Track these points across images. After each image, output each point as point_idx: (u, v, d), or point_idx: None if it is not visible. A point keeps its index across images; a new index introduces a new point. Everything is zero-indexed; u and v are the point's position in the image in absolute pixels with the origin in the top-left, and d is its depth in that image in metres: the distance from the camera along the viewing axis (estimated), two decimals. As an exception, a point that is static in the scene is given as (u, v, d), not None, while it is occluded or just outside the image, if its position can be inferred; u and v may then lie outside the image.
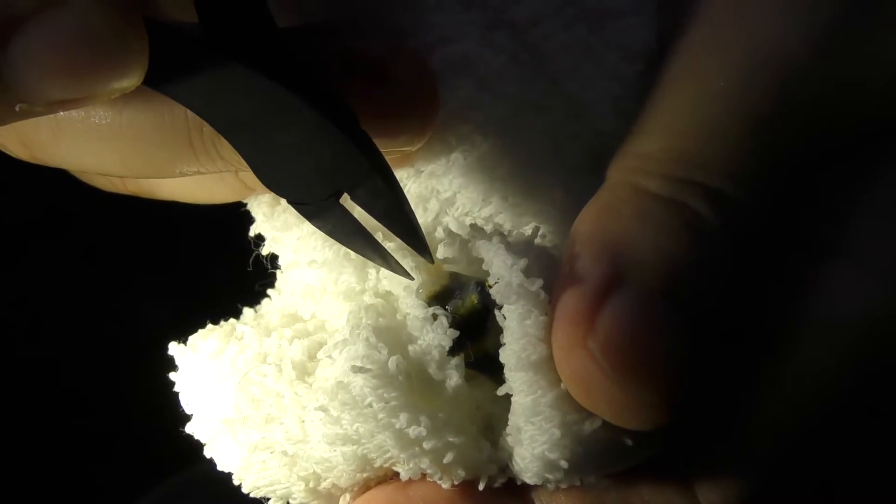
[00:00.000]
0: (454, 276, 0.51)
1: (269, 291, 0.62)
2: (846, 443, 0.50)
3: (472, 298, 0.50)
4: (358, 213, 0.49)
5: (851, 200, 0.51)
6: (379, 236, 0.51)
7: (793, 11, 0.50)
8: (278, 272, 0.61)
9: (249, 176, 0.49)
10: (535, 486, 0.49)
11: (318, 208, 0.48)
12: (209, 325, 0.59)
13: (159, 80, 0.45)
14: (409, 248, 0.50)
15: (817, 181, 0.51)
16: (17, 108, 0.43)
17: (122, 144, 0.50)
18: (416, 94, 0.49)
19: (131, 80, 0.43)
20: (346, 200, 0.49)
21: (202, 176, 0.54)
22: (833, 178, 0.51)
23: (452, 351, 0.49)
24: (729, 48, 0.50)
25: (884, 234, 0.51)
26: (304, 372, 0.53)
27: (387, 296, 0.55)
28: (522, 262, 0.47)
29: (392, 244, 0.52)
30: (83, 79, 0.42)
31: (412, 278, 0.52)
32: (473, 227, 0.51)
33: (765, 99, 0.49)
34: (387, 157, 0.50)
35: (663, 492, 0.49)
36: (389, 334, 0.50)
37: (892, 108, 0.52)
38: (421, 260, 0.51)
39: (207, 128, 0.48)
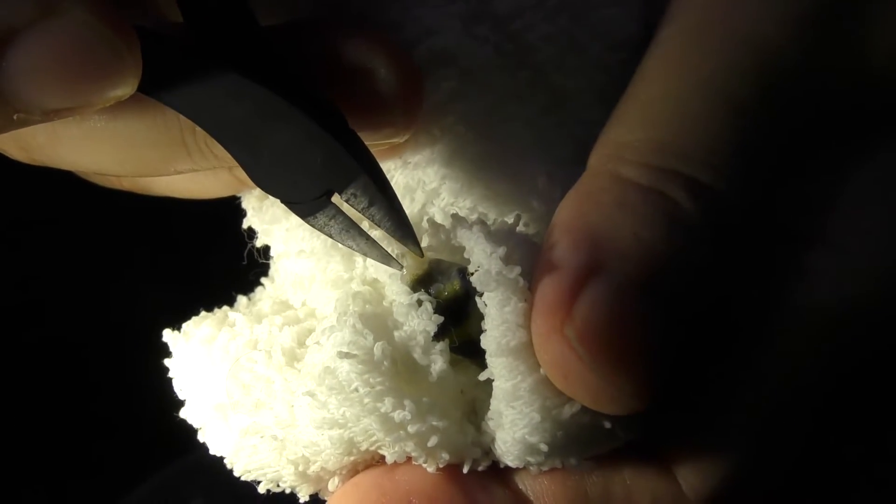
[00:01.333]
0: (436, 262, 0.52)
1: (263, 280, 0.63)
2: (824, 427, 0.51)
3: (454, 284, 0.51)
4: (347, 208, 0.50)
5: (831, 188, 0.52)
6: (365, 225, 0.52)
7: (774, 4, 0.51)
8: (272, 261, 0.62)
9: (242, 172, 0.50)
10: (520, 470, 0.50)
11: (310, 207, 0.50)
12: (202, 313, 0.60)
13: (152, 87, 0.46)
14: (397, 240, 0.51)
15: (796, 169, 0.51)
16: (14, 118, 0.44)
17: (117, 146, 0.51)
18: (399, 89, 0.50)
19: (126, 89, 0.44)
20: (338, 198, 0.50)
21: (196, 173, 0.55)
22: (813, 166, 0.52)
23: (437, 336, 0.50)
24: (708, 37, 0.51)
25: (862, 222, 0.52)
26: (293, 358, 0.54)
27: (374, 283, 0.55)
28: (501, 250, 0.48)
29: (378, 233, 0.52)
30: (78, 89, 0.43)
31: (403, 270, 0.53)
32: (455, 216, 0.52)
33: (744, 88, 0.49)
34: (374, 150, 0.51)
35: (644, 474, 0.50)
36: (376, 321, 0.50)
37: (871, 95, 0.53)
38: (406, 249, 0.52)
39: (200, 128, 0.49)
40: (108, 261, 0.86)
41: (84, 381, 0.85)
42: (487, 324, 0.48)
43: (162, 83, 0.47)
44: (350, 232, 0.51)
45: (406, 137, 0.53)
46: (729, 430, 0.50)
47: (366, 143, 0.51)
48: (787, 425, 0.50)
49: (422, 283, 0.51)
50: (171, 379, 0.57)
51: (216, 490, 0.57)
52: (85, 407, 0.84)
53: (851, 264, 0.51)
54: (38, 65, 0.42)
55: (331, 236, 0.51)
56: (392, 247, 0.53)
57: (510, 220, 0.53)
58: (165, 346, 0.58)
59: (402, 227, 0.50)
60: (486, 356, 0.48)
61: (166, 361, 0.58)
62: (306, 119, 0.47)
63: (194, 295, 0.63)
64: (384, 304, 0.54)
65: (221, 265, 0.64)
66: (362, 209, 0.49)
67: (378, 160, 0.54)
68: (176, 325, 0.59)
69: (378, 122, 0.51)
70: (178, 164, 0.52)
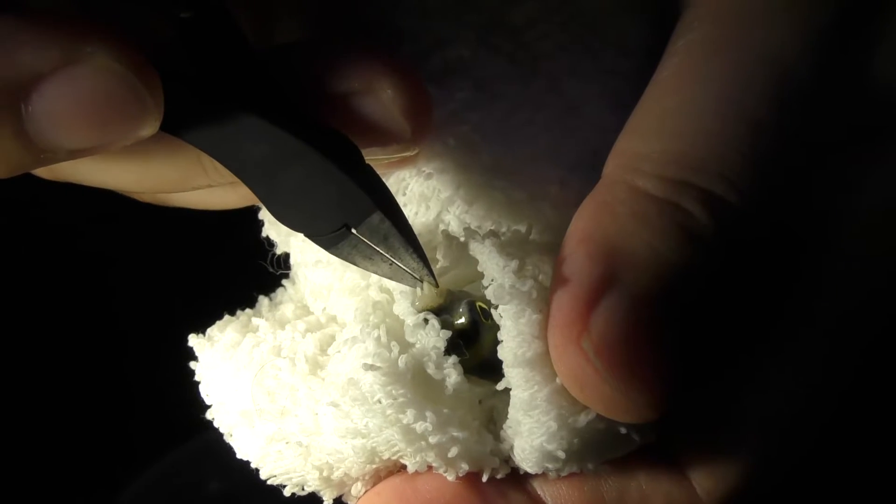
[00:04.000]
0: (449, 295, 0.53)
1: (285, 282, 0.64)
2: (836, 433, 0.52)
3: (462, 316, 0.52)
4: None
5: (844, 197, 0.53)
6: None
7: (790, 17, 0.51)
8: (293, 264, 0.63)
9: None
10: (537, 476, 0.52)
11: (330, 239, 0.51)
12: (226, 316, 0.61)
13: (172, 126, 0.48)
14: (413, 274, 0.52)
15: (808, 179, 0.52)
16: (41, 157, 0.45)
17: (137, 167, 0.53)
18: (406, 106, 0.51)
19: (147, 131, 0.45)
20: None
21: (215, 188, 0.56)
22: (826, 175, 0.52)
23: (448, 351, 0.51)
24: (725, 52, 0.51)
25: (876, 231, 0.52)
26: (316, 366, 0.55)
27: (390, 291, 0.56)
28: (514, 264, 0.49)
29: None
30: (102, 131, 0.45)
31: (437, 285, 0.53)
32: (468, 229, 0.52)
33: (760, 103, 0.49)
34: (387, 162, 0.52)
35: (659, 478, 0.51)
36: (397, 333, 0.52)
37: (885, 109, 0.53)
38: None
39: None
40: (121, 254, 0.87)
41: (99, 363, 0.86)
42: (503, 335, 0.49)
43: (181, 123, 0.48)
44: (374, 259, 0.51)
45: (417, 150, 0.53)
46: (743, 433, 0.51)
47: (378, 156, 0.52)
48: (801, 429, 0.51)
49: (434, 313, 0.52)
50: (183, 362, 0.59)
51: (230, 471, 0.58)
52: (102, 388, 0.85)
53: (862, 270, 0.52)
54: (62, 109, 0.44)
55: (355, 264, 0.52)
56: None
57: (522, 229, 0.54)
58: (179, 334, 0.60)
59: (417, 260, 0.51)
60: (504, 366, 0.49)
61: (192, 365, 0.59)
62: (320, 157, 0.48)
63: (214, 294, 0.64)
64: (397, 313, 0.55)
65: (240, 265, 0.66)
66: (377, 243, 0.50)
67: (393, 168, 0.55)
68: (194, 322, 0.60)
69: (387, 139, 0.51)
70: (196, 182, 0.53)
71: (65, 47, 0.43)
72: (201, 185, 0.54)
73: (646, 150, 0.50)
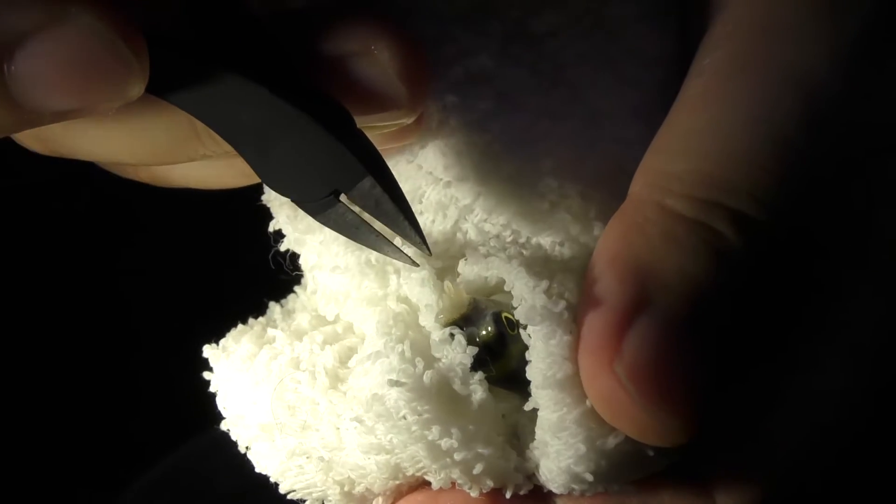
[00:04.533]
0: (474, 304, 0.52)
1: (296, 288, 0.63)
2: (864, 452, 0.52)
3: (489, 328, 0.51)
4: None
5: (872, 213, 0.52)
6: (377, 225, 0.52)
7: (819, 35, 0.51)
8: (304, 270, 0.62)
9: None
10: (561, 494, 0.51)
11: (319, 205, 0.51)
12: (240, 326, 0.61)
13: (159, 89, 0.47)
14: (405, 240, 0.51)
15: (839, 193, 0.51)
16: (24, 118, 0.45)
17: (129, 135, 0.52)
18: (402, 68, 0.50)
19: (133, 92, 0.45)
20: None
21: (212, 162, 0.56)
22: (854, 191, 0.52)
23: (475, 367, 0.50)
24: (755, 70, 0.50)
25: None
26: (336, 379, 0.54)
27: (408, 301, 0.56)
28: (544, 284, 0.49)
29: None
30: (87, 92, 0.44)
31: (416, 265, 0.53)
32: (493, 247, 0.52)
33: (790, 123, 0.49)
34: (384, 132, 0.52)
35: (683, 497, 0.51)
36: (420, 347, 0.51)
37: None
38: (441, 288, 0.52)
39: None
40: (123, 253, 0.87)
41: (106, 358, 0.86)
42: (532, 356, 0.48)
43: (169, 86, 0.47)
44: (360, 229, 0.51)
45: (414, 118, 0.53)
46: (769, 452, 0.51)
47: (376, 125, 0.51)
48: (829, 448, 0.51)
49: (459, 324, 0.52)
50: (191, 358, 0.59)
51: (239, 468, 0.58)
52: (109, 384, 0.85)
53: (892, 283, 0.52)
54: (45, 70, 0.43)
55: (341, 233, 0.52)
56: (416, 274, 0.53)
57: (544, 241, 0.53)
58: (188, 332, 0.59)
59: (409, 227, 0.50)
60: (532, 387, 0.48)
61: (205, 375, 0.58)
62: (311, 121, 0.48)
63: (223, 292, 0.64)
64: (423, 330, 0.54)
65: (248, 264, 0.65)
66: (369, 209, 0.50)
67: (394, 142, 0.54)
68: (204, 320, 0.60)
69: (383, 104, 0.51)
70: (191, 151, 0.52)
71: (48, 7, 0.43)
72: (196, 154, 0.53)
73: (674, 170, 0.49)
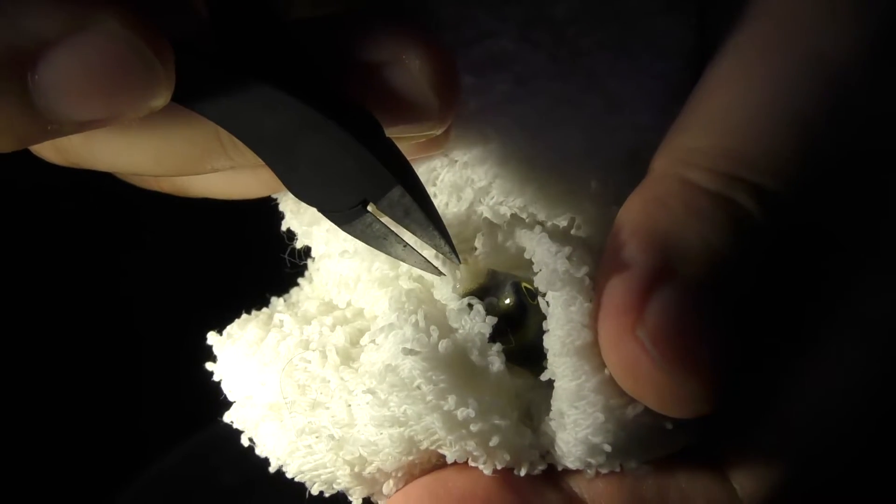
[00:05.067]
0: (492, 275, 0.52)
1: (300, 280, 0.63)
2: (879, 438, 0.52)
3: (508, 298, 0.51)
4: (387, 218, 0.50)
5: (883, 203, 0.53)
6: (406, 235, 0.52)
7: (841, 19, 0.52)
8: (309, 262, 0.62)
9: None
10: (573, 474, 0.50)
11: (346, 215, 0.50)
12: (244, 315, 0.60)
13: (185, 98, 0.46)
14: (435, 249, 0.51)
15: (854, 182, 0.52)
16: (48, 129, 0.44)
17: (153, 145, 0.51)
18: (434, 78, 0.50)
19: (158, 101, 0.44)
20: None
21: (235, 172, 0.55)
22: (872, 178, 0.52)
23: (493, 338, 0.50)
24: (778, 52, 0.51)
25: None
26: (347, 357, 0.54)
27: (420, 279, 0.56)
28: (567, 249, 0.48)
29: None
30: (111, 102, 0.43)
31: (442, 274, 0.53)
32: (514, 217, 0.52)
33: (811, 104, 0.50)
34: (413, 143, 0.51)
35: (699, 479, 0.50)
36: (435, 318, 0.51)
37: None
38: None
39: None
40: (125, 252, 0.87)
41: (108, 355, 0.85)
42: (551, 324, 0.48)
43: (196, 94, 0.47)
44: (388, 239, 0.51)
45: (444, 129, 0.52)
46: (786, 435, 0.50)
47: (405, 135, 0.51)
48: (847, 431, 0.51)
49: (476, 295, 0.52)
50: (192, 354, 0.58)
51: (242, 463, 0.57)
52: (112, 380, 0.84)
53: None
54: (70, 78, 0.42)
55: (368, 243, 0.51)
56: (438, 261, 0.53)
57: (563, 222, 0.53)
58: (190, 328, 0.59)
59: (439, 236, 0.50)
60: (549, 356, 0.48)
61: (209, 366, 0.58)
62: (340, 130, 0.47)
63: (225, 291, 0.63)
64: (437, 304, 0.54)
65: (251, 265, 0.65)
66: (398, 219, 0.49)
67: (422, 153, 0.54)
68: (207, 317, 0.59)
69: (414, 114, 0.50)
70: (215, 162, 0.52)
71: (72, 13, 0.42)
72: (221, 165, 0.52)
73: (697, 145, 0.50)
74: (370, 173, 0.48)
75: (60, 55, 0.42)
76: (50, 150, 0.54)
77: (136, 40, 0.42)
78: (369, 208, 0.50)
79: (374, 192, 0.49)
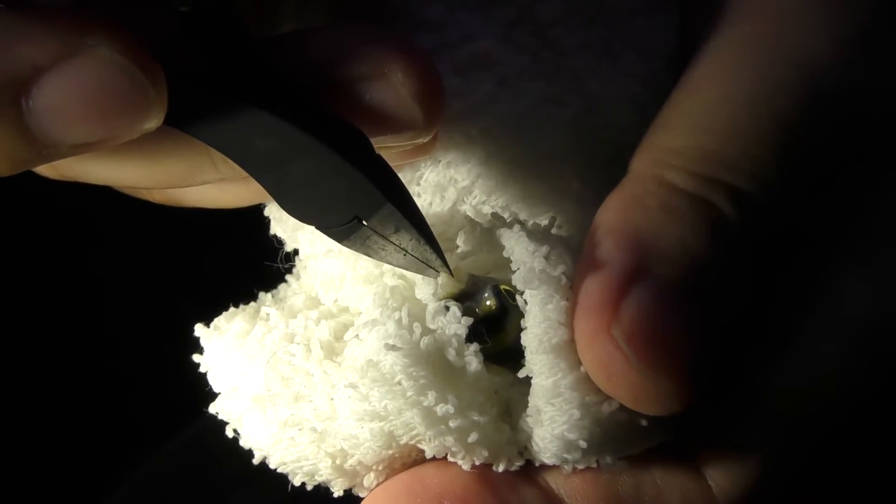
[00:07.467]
0: (471, 279, 0.53)
1: (288, 277, 0.63)
2: (851, 433, 0.52)
3: (489, 300, 0.52)
4: None
5: (862, 200, 0.53)
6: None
7: (822, 21, 0.52)
8: (297, 259, 0.63)
9: None
10: (551, 470, 0.51)
11: (343, 231, 0.51)
12: (231, 308, 0.61)
13: (177, 121, 0.47)
14: (426, 265, 0.52)
15: (829, 182, 0.52)
16: (43, 153, 0.44)
17: (143, 162, 0.52)
18: (418, 90, 0.50)
19: (151, 123, 0.44)
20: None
21: (226, 182, 0.56)
22: (846, 178, 0.53)
23: (469, 339, 0.51)
24: (758, 53, 0.52)
25: (892, 233, 0.53)
26: (331, 352, 0.54)
27: (404, 276, 0.56)
28: (544, 249, 0.49)
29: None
30: (105, 125, 0.44)
31: (451, 275, 0.53)
32: (494, 215, 0.52)
33: (790, 105, 0.50)
34: (400, 151, 0.52)
35: (674, 474, 0.51)
36: (418, 316, 0.51)
37: None
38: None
39: None
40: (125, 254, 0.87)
41: (97, 353, 0.85)
42: (528, 321, 0.48)
43: (186, 117, 0.47)
44: (387, 249, 0.51)
45: (430, 137, 0.52)
46: (759, 431, 0.51)
47: (390, 145, 0.51)
48: (817, 428, 0.51)
49: (456, 299, 0.52)
50: (182, 350, 0.58)
51: (233, 458, 0.58)
52: (102, 377, 0.85)
53: (880, 274, 0.52)
54: (63, 103, 0.43)
55: (368, 255, 0.52)
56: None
57: (544, 221, 0.54)
58: (185, 320, 0.59)
59: (430, 250, 0.51)
60: (527, 353, 0.49)
61: (196, 357, 0.58)
62: (328, 151, 0.48)
63: (213, 287, 0.64)
64: (419, 301, 0.54)
65: (239, 263, 0.65)
66: (389, 235, 0.50)
67: (410, 159, 0.54)
68: (195, 314, 0.60)
69: (399, 126, 0.51)
70: (205, 176, 0.52)
71: (65, 40, 0.42)
72: (211, 179, 0.53)
73: (676, 146, 0.50)
74: (360, 192, 0.49)
75: (54, 81, 0.43)
76: (44, 166, 0.55)
77: (127, 64, 0.43)
78: (364, 222, 0.50)
79: (364, 210, 0.50)
